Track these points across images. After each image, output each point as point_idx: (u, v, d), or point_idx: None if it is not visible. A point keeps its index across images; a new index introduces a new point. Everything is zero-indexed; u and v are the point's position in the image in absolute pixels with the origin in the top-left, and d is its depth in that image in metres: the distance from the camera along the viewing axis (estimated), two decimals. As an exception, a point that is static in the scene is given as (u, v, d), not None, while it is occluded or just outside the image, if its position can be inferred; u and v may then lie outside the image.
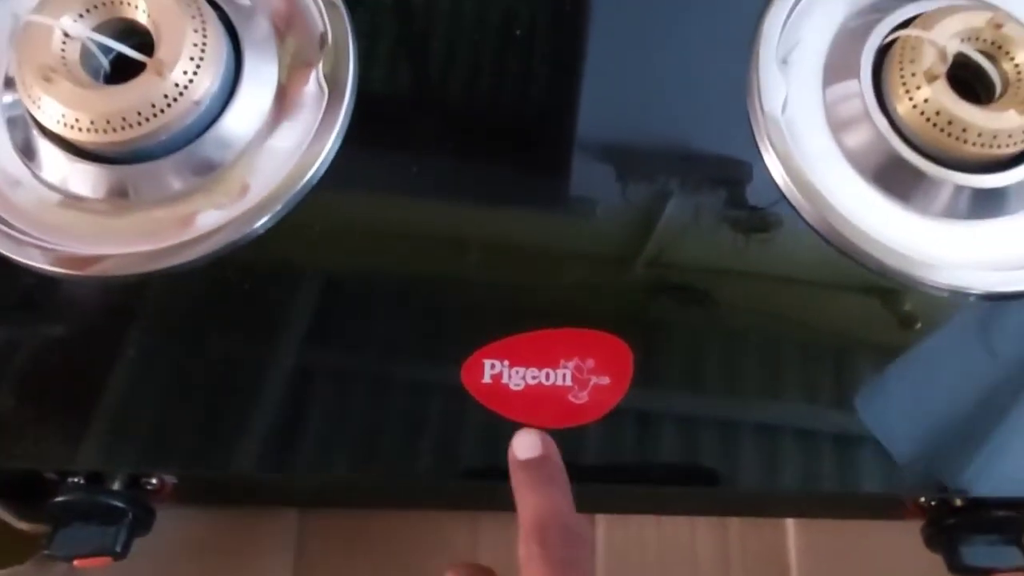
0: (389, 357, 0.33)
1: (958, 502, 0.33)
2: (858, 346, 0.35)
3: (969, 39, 0.36)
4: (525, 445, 0.27)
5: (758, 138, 0.37)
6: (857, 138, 0.37)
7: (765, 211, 0.36)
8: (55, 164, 0.36)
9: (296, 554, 0.39)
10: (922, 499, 0.34)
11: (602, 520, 0.41)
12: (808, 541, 0.40)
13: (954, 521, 0.34)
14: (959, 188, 0.35)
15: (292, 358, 0.33)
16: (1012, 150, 0.35)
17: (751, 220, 0.36)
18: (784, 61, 0.38)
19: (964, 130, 0.34)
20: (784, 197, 0.36)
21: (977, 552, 0.33)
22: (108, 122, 0.33)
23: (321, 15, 0.37)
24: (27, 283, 0.34)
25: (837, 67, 0.38)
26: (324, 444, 0.32)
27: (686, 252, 0.36)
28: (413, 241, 0.35)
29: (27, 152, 0.36)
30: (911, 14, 0.37)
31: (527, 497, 0.26)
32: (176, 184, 0.35)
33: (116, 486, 0.33)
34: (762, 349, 0.34)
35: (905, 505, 0.35)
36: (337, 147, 0.36)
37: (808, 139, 0.37)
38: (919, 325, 0.35)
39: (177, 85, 0.33)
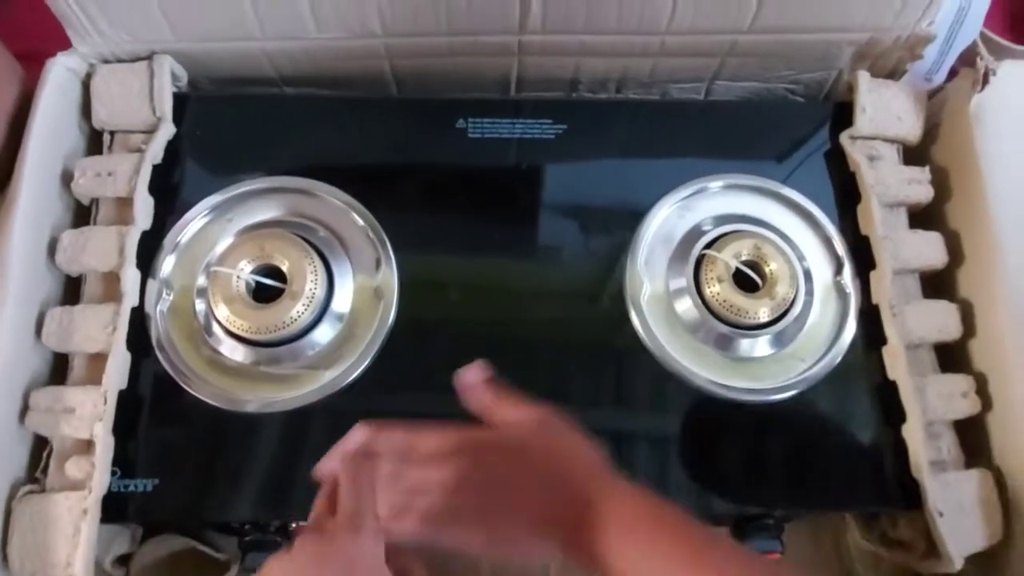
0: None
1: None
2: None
3: (743, 254, 0.63)
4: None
5: (628, 304, 0.64)
6: (683, 307, 0.64)
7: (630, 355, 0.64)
8: (221, 339, 0.61)
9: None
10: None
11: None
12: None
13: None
14: (736, 340, 0.63)
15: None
16: (766, 320, 0.63)
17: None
18: (645, 262, 0.65)
19: (740, 309, 0.62)
20: (641, 342, 0.64)
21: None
22: (262, 327, 0.59)
23: (374, 247, 0.64)
24: (202, 413, 0.59)
25: (674, 266, 0.65)
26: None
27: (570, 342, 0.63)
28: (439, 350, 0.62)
29: (207, 330, 0.61)
30: (714, 236, 0.65)
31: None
32: (293, 359, 0.60)
33: (272, 528, 0.59)
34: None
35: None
36: (391, 327, 0.62)
37: (655, 307, 0.65)
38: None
39: (303, 305, 0.59)
